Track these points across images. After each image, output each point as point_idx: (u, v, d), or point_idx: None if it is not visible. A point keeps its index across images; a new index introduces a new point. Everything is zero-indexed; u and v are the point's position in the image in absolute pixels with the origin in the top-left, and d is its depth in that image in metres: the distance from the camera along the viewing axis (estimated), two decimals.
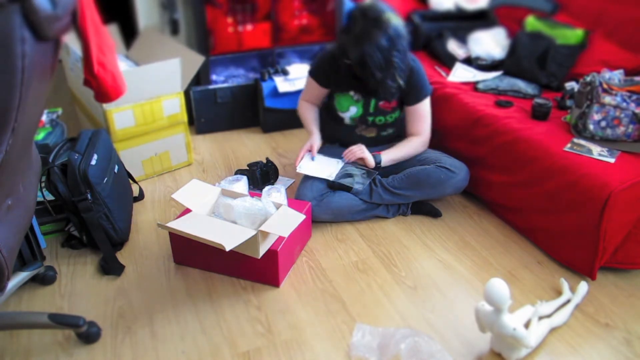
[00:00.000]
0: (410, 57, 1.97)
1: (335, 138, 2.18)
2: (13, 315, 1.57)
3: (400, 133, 2.17)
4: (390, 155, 2.01)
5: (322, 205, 1.94)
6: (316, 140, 2.09)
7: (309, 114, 2.18)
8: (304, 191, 1.96)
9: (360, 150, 1.99)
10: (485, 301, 1.38)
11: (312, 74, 2.12)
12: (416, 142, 2.06)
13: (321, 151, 2.12)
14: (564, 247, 1.79)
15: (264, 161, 2.29)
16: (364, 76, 1.86)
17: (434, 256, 1.88)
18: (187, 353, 1.47)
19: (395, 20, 1.82)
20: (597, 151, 1.79)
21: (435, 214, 2.08)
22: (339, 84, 2.04)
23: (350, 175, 1.97)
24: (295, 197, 1.98)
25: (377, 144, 2.13)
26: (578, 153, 1.78)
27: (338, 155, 2.07)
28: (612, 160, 1.74)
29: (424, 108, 2.05)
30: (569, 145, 1.82)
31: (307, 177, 2.01)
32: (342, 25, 1.92)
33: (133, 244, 1.93)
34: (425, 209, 2.08)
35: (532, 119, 2.03)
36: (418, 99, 2.02)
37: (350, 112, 2.04)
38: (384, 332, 1.49)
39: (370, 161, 1.97)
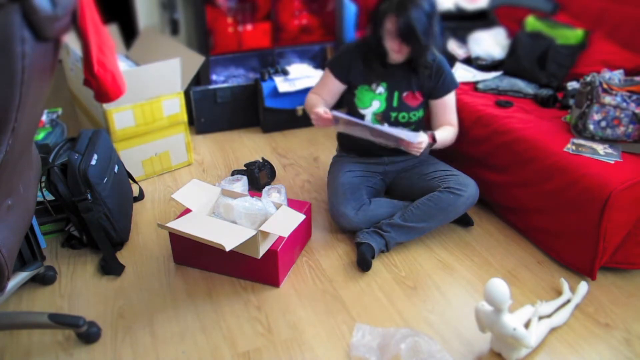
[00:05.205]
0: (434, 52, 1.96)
1: (354, 148, 2.07)
2: (13, 315, 1.57)
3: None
4: (438, 135, 1.93)
5: (360, 215, 1.89)
6: (322, 106, 1.91)
7: (315, 100, 2.03)
8: (339, 208, 1.90)
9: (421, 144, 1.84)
10: (485, 301, 1.38)
11: (331, 64, 2.03)
12: (451, 129, 2.00)
13: (339, 161, 2.08)
14: (564, 247, 1.79)
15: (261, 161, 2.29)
16: (408, 42, 1.79)
17: (434, 256, 1.88)
18: (187, 353, 1.47)
19: None
20: (602, 149, 1.78)
21: (467, 222, 2.05)
22: (359, 76, 1.97)
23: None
24: (333, 216, 1.94)
25: (400, 154, 2.03)
26: (582, 155, 1.76)
27: (359, 167, 2.04)
28: (619, 159, 1.74)
29: (453, 100, 2.02)
30: (570, 146, 1.82)
31: (340, 193, 1.93)
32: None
33: (133, 244, 1.93)
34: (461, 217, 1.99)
35: (540, 107, 2.12)
36: (449, 89, 1.97)
37: (372, 107, 1.96)
38: (384, 332, 1.49)
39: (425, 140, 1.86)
